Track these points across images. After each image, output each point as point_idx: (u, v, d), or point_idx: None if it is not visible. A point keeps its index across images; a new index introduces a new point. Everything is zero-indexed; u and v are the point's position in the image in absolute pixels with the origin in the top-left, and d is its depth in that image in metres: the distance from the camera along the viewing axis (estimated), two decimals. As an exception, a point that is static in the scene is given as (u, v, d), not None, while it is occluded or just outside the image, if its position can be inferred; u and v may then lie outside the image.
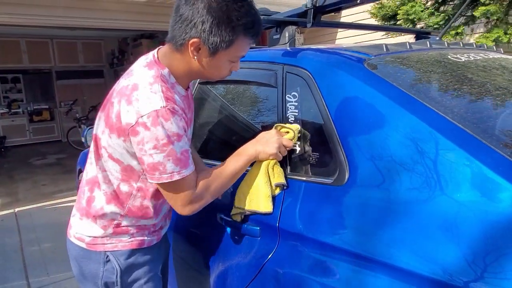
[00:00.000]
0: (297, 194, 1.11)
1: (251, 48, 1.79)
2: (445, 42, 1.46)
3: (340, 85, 1.11)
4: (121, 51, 9.17)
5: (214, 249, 1.31)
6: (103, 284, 1.14)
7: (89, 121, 8.30)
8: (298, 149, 1.18)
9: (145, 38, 7.79)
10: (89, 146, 2.51)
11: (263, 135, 1.16)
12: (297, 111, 1.20)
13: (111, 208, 1.13)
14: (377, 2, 4.79)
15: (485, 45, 1.59)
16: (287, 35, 1.45)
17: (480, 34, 4.24)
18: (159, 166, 0.99)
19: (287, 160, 1.18)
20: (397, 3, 4.52)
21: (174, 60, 1.06)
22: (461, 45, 1.48)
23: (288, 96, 1.24)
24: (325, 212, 1.01)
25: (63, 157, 7.65)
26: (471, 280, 0.73)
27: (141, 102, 0.97)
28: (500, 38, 3.90)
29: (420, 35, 1.91)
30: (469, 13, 4.14)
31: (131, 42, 8.53)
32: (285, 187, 1.14)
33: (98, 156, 1.12)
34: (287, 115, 1.22)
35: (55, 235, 3.48)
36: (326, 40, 6.67)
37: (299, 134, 1.17)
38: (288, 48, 1.42)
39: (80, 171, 3.30)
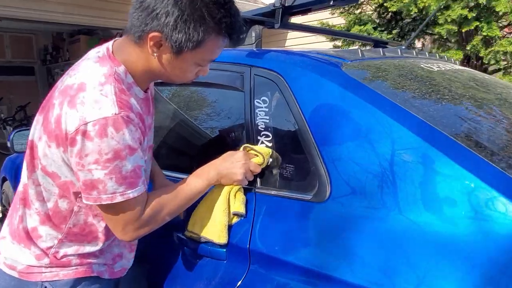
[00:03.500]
0: (271, 211, 0.99)
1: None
2: (414, 51, 1.43)
3: (317, 90, 1.01)
4: (56, 47, 8.45)
5: (169, 276, 1.14)
6: None
7: (16, 123, 7.55)
8: (269, 161, 1.06)
9: (84, 34, 7.24)
10: (15, 152, 2.20)
11: (228, 156, 1.02)
12: (268, 117, 1.09)
13: (45, 230, 0.93)
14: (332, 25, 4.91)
15: (445, 57, 1.61)
16: (253, 35, 1.33)
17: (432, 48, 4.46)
18: (98, 184, 0.81)
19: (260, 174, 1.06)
20: (349, 22, 4.63)
21: (131, 55, 0.89)
22: (427, 55, 1.47)
23: (257, 101, 1.12)
24: (304, 232, 0.90)
25: (-16, 162, 6.82)
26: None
27: (87, 106, 0.80)
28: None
29: (379, 44, 1.91)
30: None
31: (68, 38, 7.89)
32: (243, 217, 1.02)
33: (32, 168, 0.91)
34: (257, 121, 1.10)
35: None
36: (273, 46, 6.68)
37: (270, 159, 1.05)
38: (255, 49, 1.31)
39: (4, 180, 2.90)
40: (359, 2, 4.54)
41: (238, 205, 1.01)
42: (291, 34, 6.48)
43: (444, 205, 0.76)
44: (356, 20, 4.55)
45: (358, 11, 4.79)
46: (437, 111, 0.95)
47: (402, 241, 0.76)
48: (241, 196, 1.02)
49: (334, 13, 4.91)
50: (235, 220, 1.02)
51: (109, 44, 0.92)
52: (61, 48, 8.34)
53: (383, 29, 4.45)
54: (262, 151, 1.04)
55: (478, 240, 0.70)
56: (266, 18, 1.37)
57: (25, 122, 7.42)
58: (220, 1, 0.83)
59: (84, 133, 0.78)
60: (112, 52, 0.90)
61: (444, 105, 1.00)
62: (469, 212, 0.73)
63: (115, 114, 0.80)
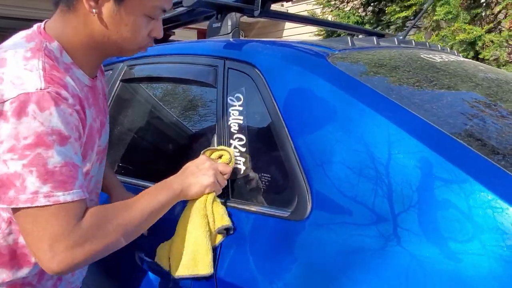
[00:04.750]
0: (242, 231, 0.82)
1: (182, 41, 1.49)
2: (412, 41, 1.26)
3: (298, 86, 0.85)
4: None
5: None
6: None
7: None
8: (242, 168, 0.89)
9: (17, 28, 6.99)
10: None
11: (190, 164, 0.85)
12: (241, 117, 0.92)
13: None
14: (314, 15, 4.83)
15: (447, 48, 1.44)
16: (229, 23, 1.17)
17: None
18: (14, 180, 0.63)
19: (228, 184, 0.89)
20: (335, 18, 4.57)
21: (66, 27, 0.73)
22: (428, 45, 1.30)
23: (230, 99, 0.96)
24: (278, 258, 0.73)
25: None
26: None
27: (6, 83, 0.64)
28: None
29: (373, 36, 1.74)
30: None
31: None
32: (231, 232, 0.83)
33: None
34: (229, 122, 0.94)
35: None
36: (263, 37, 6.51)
37: (241, 158, 0.88)
38: (231, 39, 1.14)
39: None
40: None
41: (221, 217, 0.82)
42: (289, 24, 6.27)
43: (453, 239, 0.59)
44: (341, 14, 4.46)
45: (348, 8, 4.71)
46: (442, 109, 0.78)
47: (401, 280, 0.60)
48: (219, 207, 0.85)
49: (324, 12, 4.84)
50: (219, 239, 0.83)
51: (41, 23, 0.76)
52: None
53: (367, 21, 4.36)
54: (225, 149, 0.89)
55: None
56: (245, 4, 1.20)
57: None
58: None
59: (0, 114, 0.63)
60: (44, 28, 0.74)
61: (450, 102, 0.83)
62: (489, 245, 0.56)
63: (40, 89, 0.64)
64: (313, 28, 5.03)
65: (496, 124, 0.78)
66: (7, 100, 0.63)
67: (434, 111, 0.76)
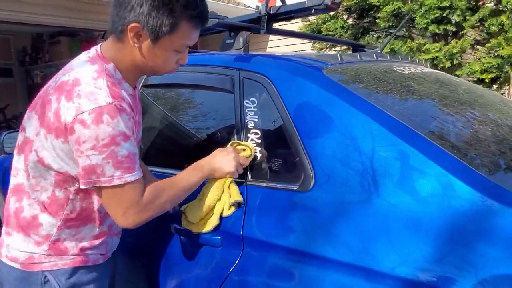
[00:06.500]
0: (261, 201, 1.09)
1: (202, 51, 1.75)
2: (387, 55, 1.57)
3: (301, 92, 1.12)
4: (35, 48, 8.32)
5: (168, 265, 1.23)
6: None
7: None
8: (259, 155, 1.16)
9: (65, 35, 7.17)
10: (6, 153, 2.23)
11: (218, 152, 1.11)
12: (256, 116, 1.19)
13: (45, 218, 1.00)
14: (305, 19, 5.15)
15: (416, 60, 1.75)
16: (241, 40, 1.43)
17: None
18: (96, 169, 0.89)
19: (248, 167, 1.16)
20: (321, 21, 4.89)
21: (117, 52, 0.98)
22: (400, 58, 1.60)
23: (246, 102, 1.22)
24: (292, 218, 1.01)
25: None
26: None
27: (83, 98, 0.88)
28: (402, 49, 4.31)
29: (357, 48, 2.04)
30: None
31: (48, 39, 7.79)
32: (241, 205, 1.11)
33: (28, 161, 0.98)
34: (246, 120, 1.21)
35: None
36: (258, 48, 6.80)
37: (258, 153, 1.16)
38: (243, 54, 1.41)
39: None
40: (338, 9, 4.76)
41: (235, 194, 1.11)
42: (272, 36, 6.61)
43: (415, 189, 0.88)
44: (327, 18, 4.78)
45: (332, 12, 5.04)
46: (407, 109, 1.07)
47: (379, 220, 0.89)
48: (235, 187, 1.12)
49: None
50: (232, 210, 1.11)
51: (97, 46, 1.01)
52: (41, 49, 8.20)
53: (349, 26, 4.69)
54: (248, 145, 1.15)
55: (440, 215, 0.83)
56: (253, 24, 1.48)
57: (4, 125, 7.28)
58: None
59: (81, 122, 0.87)
60: (101, 52, 0.99)
61: (413, 104, 1.13)
62: (435, 192, 0.86)
63: (110, 103, 0.89)
64: (294, 40, 5.36)
65: (445, 121, 1.08)
66: (85, 111, 0.87)
67: (400, 111, 1.05)
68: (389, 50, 4.06)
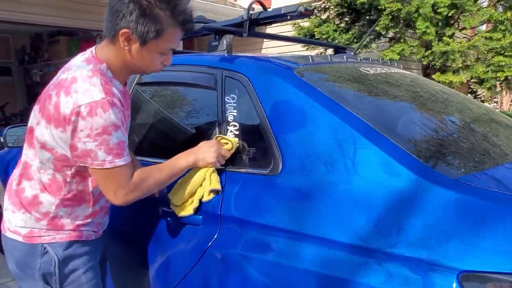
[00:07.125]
0: (237, 184, 1.24)
1: (188, 52, 1.90)
2: (358, 57, 1.72)
3: (274, 89, 1.28)
4: (34, 47, 8.44)
5: (154, 242, 1.38)
6: (41, 276, 1.15)
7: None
8: (237, 145, 1.31)
9: (63, 35, 7.30)
10: (8, 147, 2.38)
11: (203, 144, 1.26)
12: (235, 111, 1.34)
13: (45, 197, 1.14)
14: (296, 25, 5.34)
15: (388, 61, 1.90)
16: (225, 42, 1.58)
17: (386, 49, 4.93)
18: (90, 153, 1.04)
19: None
20: (313, 25, 5.10)
21: (110, 53, 1.12)
22: (371, 60, 1.76)
23: (227, 98, 1.37)
24: (263, 198, 1.16)
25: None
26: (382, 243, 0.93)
27: (80, 94, 1.02)
28: (403, 51, 4.57)
29: (338, 49, 2.20)
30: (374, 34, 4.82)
31: (47, 39, 7.91)
32: (219, 193, 1.25)
33: (32, 147, 1.14)
34: (227, 114, 1.36)
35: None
36: (251, 49, 6.95)
37: (237, 146, 1.30)
38: (226, 55, 1.56)
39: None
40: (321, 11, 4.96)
41: (214, 183, 1.26)
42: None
43: (364, 170, 1.04)
44: (320, 22, 4.97)
45: (325, 16, 5.24)
46: (364, 105, 1.23)
47: (334, 197, 1.04)
48: (216, 176, 1.27)
49: (303, 20, 5.35)
50: (211, 196, 1.26)
51: (92, 48, 1.16)
52: (40, 48, 8.31)
53: (342, 30, 4.88)
54: (231, 139, 1.30)
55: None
56: (236, 28, 1.63)
57: (3, 123, 7.40)
58: (168, 0, 1.06)
59: (78, 114, 1.01)
60: (95, 53, 1.14)
61: (370, 100, 1.28)
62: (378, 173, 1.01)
63: (103, 98, 1.03)
64: (287, 43, 5.53)
65: (397, 115, 1.24)
66: (82, 105, 1.02)
67: (358, 106, 1.20)
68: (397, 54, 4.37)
